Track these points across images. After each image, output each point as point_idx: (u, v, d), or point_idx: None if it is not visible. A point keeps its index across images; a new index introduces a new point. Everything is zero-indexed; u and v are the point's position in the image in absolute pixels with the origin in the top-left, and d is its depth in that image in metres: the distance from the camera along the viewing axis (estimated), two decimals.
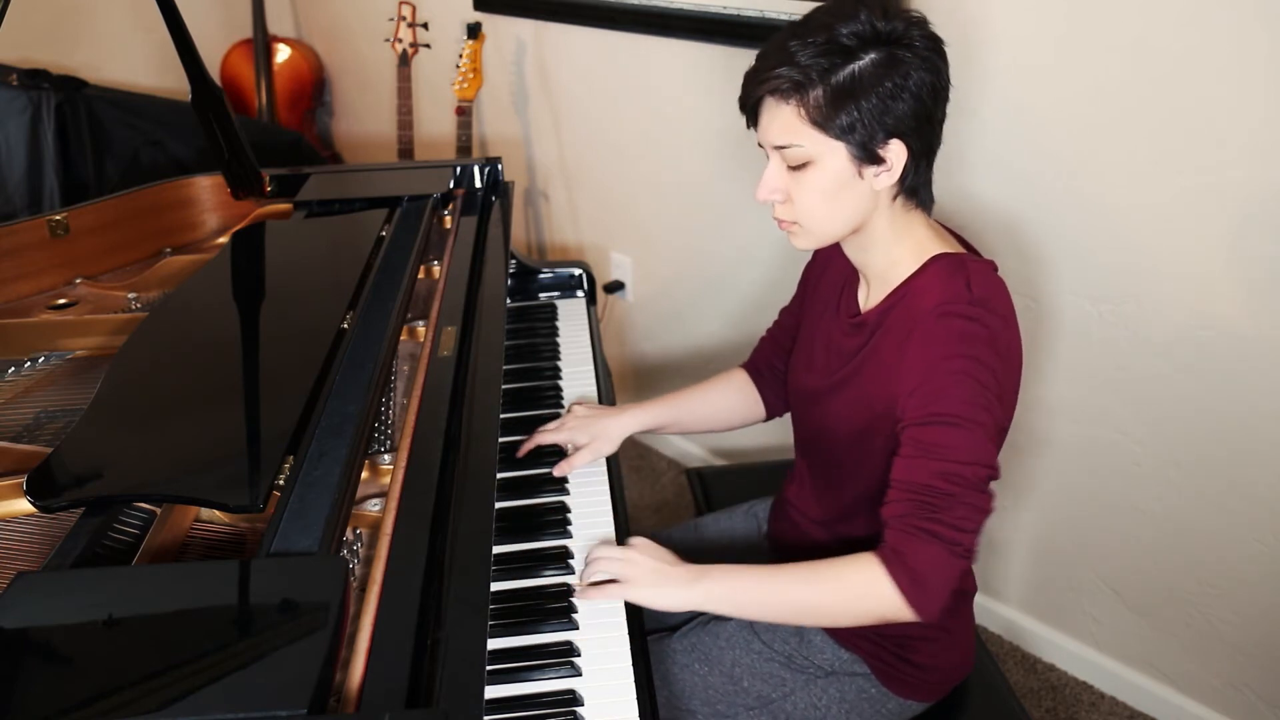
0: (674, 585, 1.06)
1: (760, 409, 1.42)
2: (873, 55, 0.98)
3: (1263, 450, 1.51)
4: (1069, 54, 1.51)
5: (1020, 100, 1.59)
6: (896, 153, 1.01)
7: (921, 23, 1.01)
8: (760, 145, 1.06)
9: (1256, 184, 1.39)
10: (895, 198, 1.06)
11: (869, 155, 1.00)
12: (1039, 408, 1.76)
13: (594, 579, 1.08)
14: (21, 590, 0.80)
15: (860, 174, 1.02)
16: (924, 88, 0.99)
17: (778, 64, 0.99)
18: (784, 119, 1.01)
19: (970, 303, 1.01)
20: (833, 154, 1.01)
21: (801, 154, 1.02)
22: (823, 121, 0.99)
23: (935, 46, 1.01)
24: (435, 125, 2.86)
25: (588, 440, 1.31)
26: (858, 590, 1.01)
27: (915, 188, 1.06)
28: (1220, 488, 1.58)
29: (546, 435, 1.33)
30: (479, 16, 2.49)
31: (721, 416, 1.42)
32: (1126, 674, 1.82)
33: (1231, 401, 1.52)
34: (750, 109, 1.05)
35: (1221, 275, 1.47)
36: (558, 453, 1.33)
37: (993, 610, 1.99)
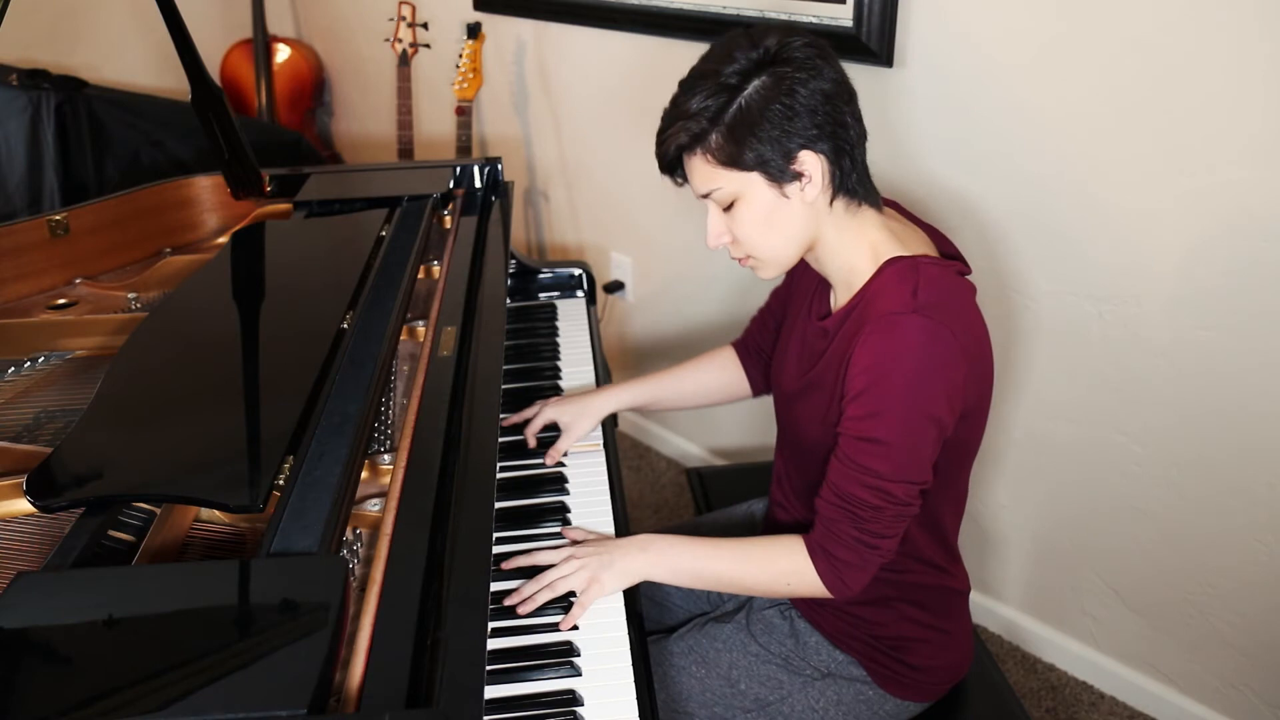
0: (629, 561, 1.10)
1: (746, 386, 1.44)
2: (757, 82, 1.00)
3: (1263, 450, 1.51)
4: (1069, 53, 1.51)
5: (1020, 100, 1.59)
6: (811, 163, 1.02)
7: (795, 30, 1.02)
8: (697, 199, 1.09)
9: (1257, 184, 1.39)
10: (832, 202, 1.06)
11: (785, 175, 1.02)
12: (1039, 408, 1.76)
13: (556, 594, 1.06)
14: (21, 590, 0.80)
15: (785, 194, 1.04)
16: (815, 95, 1.00)
17: (673, 121, 1.04)
18: (697, 169, 1.05)
19: (915, 310, 1.00)
20: (752, 185, 1.03)
21: (725, 195, 1.05)
22: (729, 161, 1.02)
23: (817, 51, 1.01)
24: (435, 125, 2.86)
25: (569, 420, 1.35)
26: (784, 573, 1.09)
27: (850, 187, 1.06)
28: (1220, 488, 1.58)
29: (531, 423, 1.36)
30: (479, 16, 2.49)
31: (705, 393, 1.44)
32: (1126, 674, 1.82)
33: (1231, 402, 1.52)
34: (671, 170, 1.08)
35: (1222, 275, 1.47)
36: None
37: (993, 610, 1.99)
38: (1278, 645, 1.59)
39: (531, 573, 1.10)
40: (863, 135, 1.06)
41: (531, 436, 1.35)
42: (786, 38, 1.01)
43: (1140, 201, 1.51)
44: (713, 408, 1.51)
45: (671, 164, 1.07)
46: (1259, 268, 1.43)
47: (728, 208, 1.06)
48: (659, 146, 1.07)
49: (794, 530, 1.26)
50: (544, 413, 1.36)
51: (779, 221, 1.05)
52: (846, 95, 1.03)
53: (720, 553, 1.12)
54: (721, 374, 1.44)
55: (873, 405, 1.01)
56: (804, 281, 1.23)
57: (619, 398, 1.39)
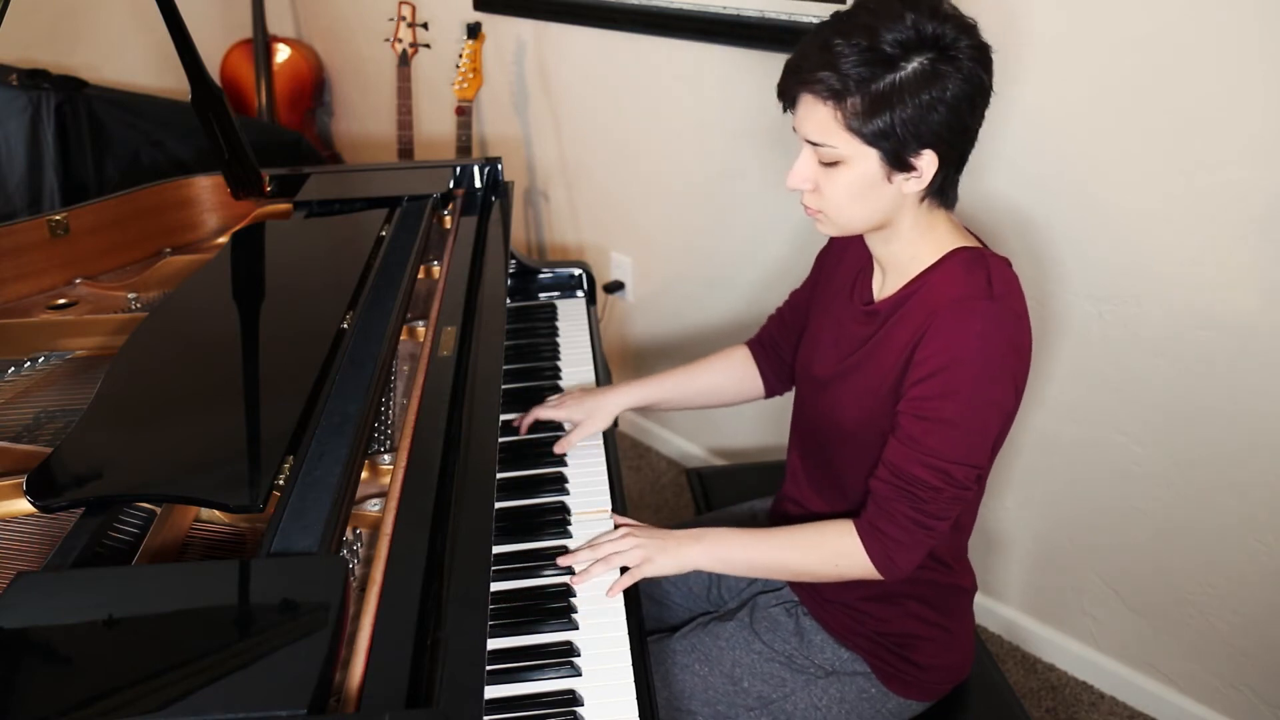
0: (684, 549, 1.14)
1: (759, 386, 1.43)
2: (915, 65, 0.97)
3: (1263, 451, 1.51)
4: (1071, 54, 1.51)
5: (1020, 100, 1.59)
6: (928, 161, 1.01)
7: (971, 30, 1.00)
8: (794, 130, 1.06)
9: (1258, 184, 1.39)
10: (922, 200, 1.07)
11: (900, 163, 1.01)
12: (1040, 407, 1.76)
13: (611, 567, 1.12)
14: (21, 590, 0.80)
15: (889, 178, 1.03)
16: (962, 100, 0.98)
17: (819, 65, 0.98)
18: (819, 119, 1.01)
19: (990, 298, 1.02)
20: (864, 158, 1.01)
21: (834, 154, 1.02)
22: (858, 127, 0.99)
23: (981, 56, 1.00)
24: (435, 125, 2.86)
25: (583, 417, 1.35)
26: (834, 556, 1.11)
27: (944, 190, 1.07)
28: (1220, 488, 1.58)
29: (544, 411, 1.37)
30: (479, 16, 2.49)
31: (717, 393, 1.43)
32: (1126, 674, 1.82)
33: (1231, 402, 1.52)
34: (788, 99, 1.05)
35: (1222, 275, 1.47)
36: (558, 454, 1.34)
37: (993, 610, 1.99)
38: (1278, 645, 1.59)
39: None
40: (973, 148, 1.06)
41: (537, 414, 1.37)
42: (960, 33, 0.98)
43: (1140, 201, 1.51)
44: (718, 409, 1.50)
45: (792, 97, 1.04)
46: (1259, 268, 1.43)
47: (829, 164, 1.04)
48: (791, 78, 1.02)
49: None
50: (560, 410, 1.37)
51: (871, 198, 1.05)
52: (984, 105, 1.03)
53: (771, 540, 1.15)
54: (734, 373, 1.43)
55: (945, 386, 1.02)
56: (842, 269, 1.24)
57: (631, 395, 1.39)
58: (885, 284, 1.14)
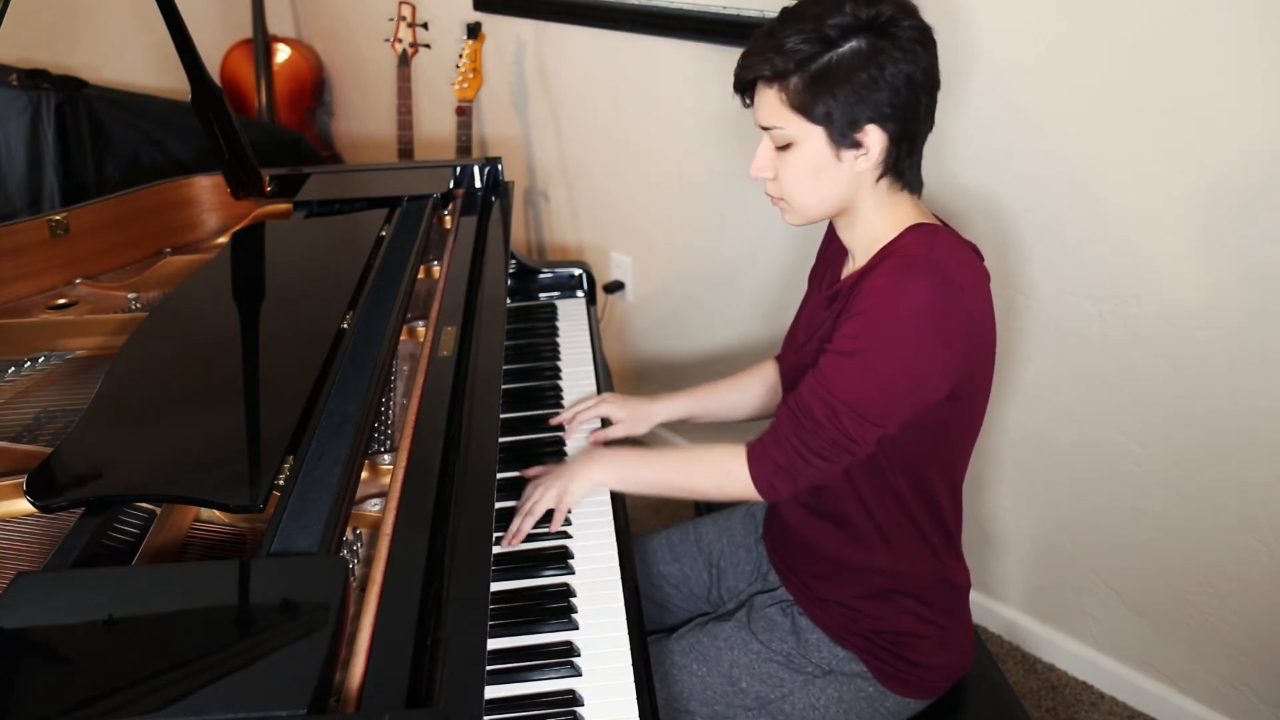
0: (590, 470, 1.21)
1: None
2: (853, 44, 1.00)
3: (1262, 450, 1.51)
4: (1070, 53, 1.51)
5: (1020, 99, 1.59)
6: (874, 138, 1.04)
7: (912, 11, 1.03)
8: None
9: (1257, 184, 1.39)
10: (879, 179, 1.09)
11: (846, 140, 1.04)
12: (1039, 408, 1.76)
13: (536, 517, 1.19)
14: (21, 590, 0.80)
15: (839, 156, 1.06)
16: (901, 78, 1.01)
17: (764, 50, 1.04)
18: (769, 103, 1.06)
19: (932, 261, 1.03)
20: (812, 137, 1.05)
21: (784, 136, 1.06)
22: (801, 107, 1.03)
23: (921, 37, 1.03)
24: (435, 125, 2.86)
25: (625, 415, 1.39)
26: (724, 476, 1.15)
27: (900, 170, 1.09)
28: (1220, 488, 1.58)
29: (585, 409, 1.40)
30: (479, 16, 2.49)
31: (748, 406, 1.45)
32: (1126, 674, 1.82)
33: (1231, 401, 1.52)
34: (744, 90, 1.10)
35: (1222, 275, 1.47)
36: (558, 453, 1.34)
37: (993, 610, 1.99)
38: (1277, 645, 1.59)
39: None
40: (930, 127, 1.08)
41: (575, 422, 1.39)
42: (899, 14, 1.01)
43: (1140, 201, 1.51)
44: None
45: (745, 87, 1.09)
46: (1259, 267, 1.43)
47: (783, 148, 1.08)
48: (741, 67, 1.08)
49: (794, 521, 1.26)
50: (601, 407, 1.40)
51: (824, 179, 1.08)
52: (930, 85, 1.05)
53: (668, 458, 1.21)
54: (764, 387, 1.44)
55: (860, 327, 1.04)
56: (819, 265, 1.27)
57: (671, 408, 1.42)
58: (854, 265, 1.16)
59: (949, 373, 1.05)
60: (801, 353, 1.19)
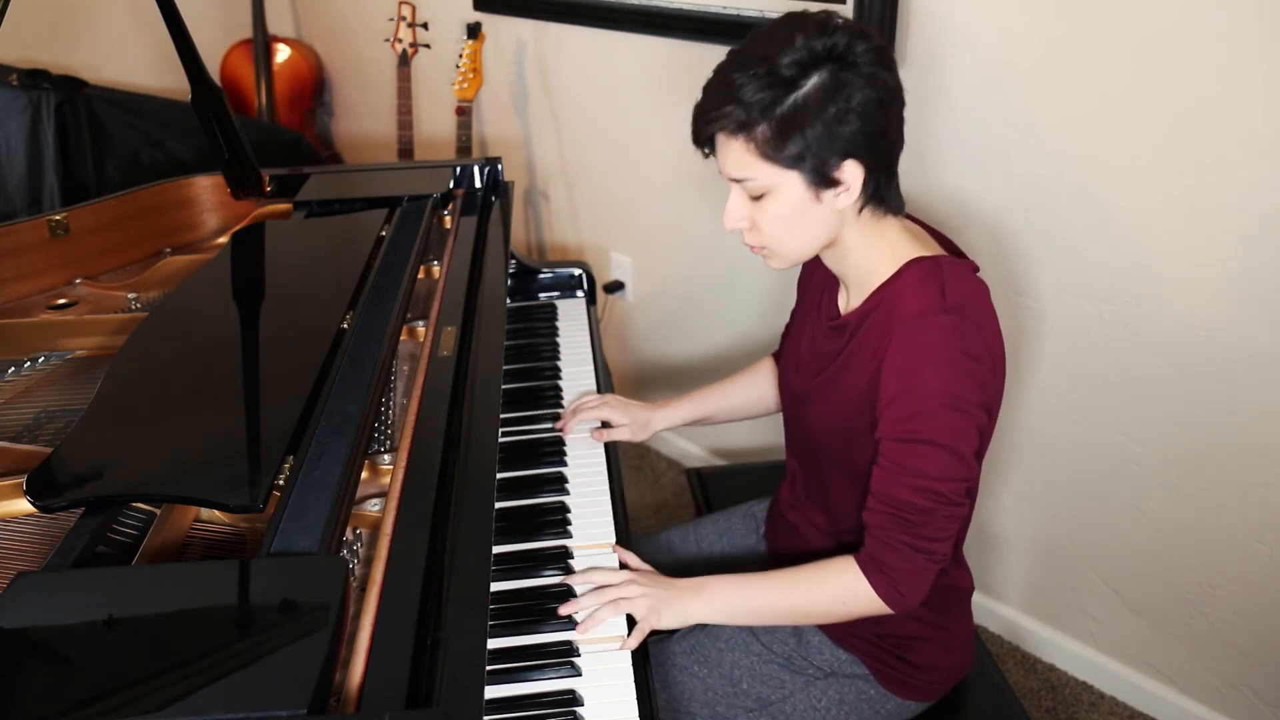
0: (687, 605, 1.10)
1: None
2: (815, 80, 0.96)
3: (1262, 450, 1.51)
4: (1069, 54, 1.51)
5: (1020, 100, 1.59)
6: (852, 173, 1.00)
7: (865, 35, 0.99)
8: (720, 174, 1.06)
9: (1257, 184, 1.39)
10: (861, 210, 1.06)
11: (824, 180, 1.00)
12: (1039, 408, 1.76)
13: (619, 613, 1.07)
14: (21, 590, 0.80)
15: (818, 198, 1.02)
16: (870, 105, 0.97)
17: (722, 101, 0.99)
18: (734, 154, 1.01)
19: (945, 310, 1.01)
20: (789, 183, 1.01)
21: (758, 186, 1.02)
22: (772, 154, 0.99)
23: (881, 58, 0.99)
24: (435, 125, 2.86)
25: (627, 421, 1.38)
26: (840, 595, 1.08)
27: (882, 197, 1.05)
28: (1220, 488, 1.57)
29: (587, 407, 1.39)
30: (479, 16, 2.49)
31: (749, 406, 1.45)
32: (1126, 674, 1.82)
33: (1231, 402, 1.52)
34: (701, 142, 1.05)
35: (1222, 275, 1.47)
36: (558, 453, 1.34)
37: (993, 610, 1.99)
38: (1277, 645, 1.59)
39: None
40: (901, 145, 1.05)
41: (576, 418, 1.38)
42: (854, 40, 0.98)
43: (1140, 201, 1.51)
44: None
45: (706, 140, 1.05)
46: (1259, 267, 1.43)
47: (757, 198, 1.04)
48: (699, 121, 1.03)
49: (803, 528, 1.26)
50: (603, 410, 1.39)
51: (806, 222, 1.04)
52: (898, 105, 1.02)
53: (771, 584, 1.11)
54: (762, 386, 1.43)
55: (912, 407, 1.01)
56: (813, 281, 1.24)
57: (671, 416, 1.42)
58: (850, 298, 1.14)
59: (988, 402, 1.06)
60: (812, 381, 1.17)
